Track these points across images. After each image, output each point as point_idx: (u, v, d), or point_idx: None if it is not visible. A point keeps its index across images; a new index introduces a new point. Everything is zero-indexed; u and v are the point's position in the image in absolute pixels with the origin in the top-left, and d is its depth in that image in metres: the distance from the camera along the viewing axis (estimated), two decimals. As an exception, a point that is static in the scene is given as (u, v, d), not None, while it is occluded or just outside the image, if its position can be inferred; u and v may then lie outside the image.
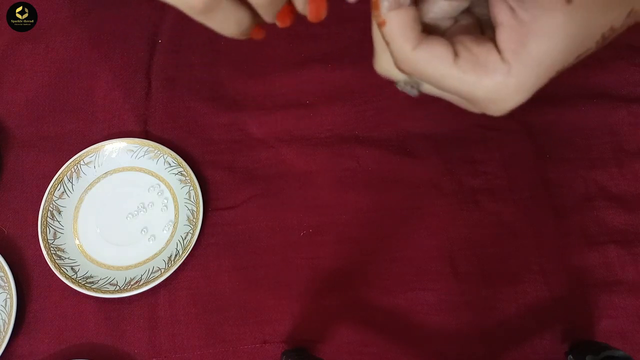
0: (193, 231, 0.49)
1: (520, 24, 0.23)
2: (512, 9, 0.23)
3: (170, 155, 0.53)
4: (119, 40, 0.59)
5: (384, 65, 0.28)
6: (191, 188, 0.51)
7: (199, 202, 0.50)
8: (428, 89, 0.28)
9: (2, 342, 0.45)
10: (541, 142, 0.53)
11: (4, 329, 0.46)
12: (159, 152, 0.53)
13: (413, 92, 0.28)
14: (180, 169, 0.52)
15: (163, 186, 0.53)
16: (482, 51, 0.24)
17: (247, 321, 0.48)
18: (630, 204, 0.51)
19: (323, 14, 0.28)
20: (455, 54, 0.24)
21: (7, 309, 0.47)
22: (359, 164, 0.53)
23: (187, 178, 0.52)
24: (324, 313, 0.48)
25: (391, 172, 0.53)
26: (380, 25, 0.25)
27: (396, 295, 0.48)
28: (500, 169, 0.52)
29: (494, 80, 0.24)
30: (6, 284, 0.48)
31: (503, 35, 0.24)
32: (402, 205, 0.51)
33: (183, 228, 0.50)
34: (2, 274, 0.48)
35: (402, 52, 0.25)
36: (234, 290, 0.49)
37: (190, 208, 0.51)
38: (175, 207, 0.52)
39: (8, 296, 0.47)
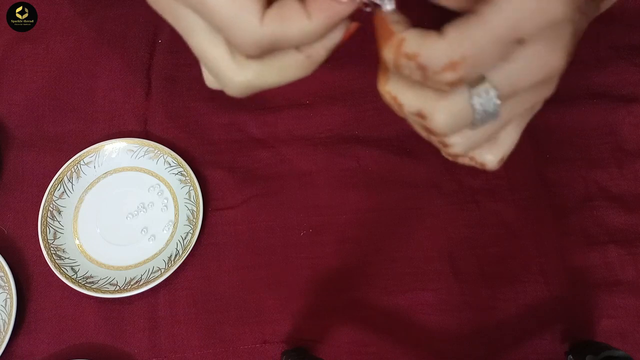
0: (193, 231, 0.49)
1: None
2: None
3: (170, 155, 0.53)
4: (119, 40, 0.59)
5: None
6: (191, 188, 0.51)
7: (199, 202, 0.50)
8: (503, 80, 0.23)
9: (2, 342, 0.45)
10: (541, 142, 0.53)
11: (4, 329, 0.46)
12: (159, 152, 0.53)
13: (493, 102, 0.23)
14: (180, 169, 0.52)
15: (163, 186, 0.53)
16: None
17: (247, 321, 0.48)
18: (630, 204, 0.51)
19: None
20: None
21: (7, 309, 0.47)
22: (359, 164, 0.53)
23: (187, 178, 0.52)
24: (324, 313, 0.48)
25: (391, 172, 0.53)
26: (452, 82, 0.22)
27: (396, 295, 0.48)
28: (500, 169, 0.52)
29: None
30: (6, 284, 0.48)
31: None
32: (402, 205, 0.51)
33: (183, 228, 0.50)
34: (2, 274, 0.48)
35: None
36: (234, 290, 0.49)
37: (190, 208, 0.51)
38: (175, 207, 0.52)
39: (8, 296, 0.47)
